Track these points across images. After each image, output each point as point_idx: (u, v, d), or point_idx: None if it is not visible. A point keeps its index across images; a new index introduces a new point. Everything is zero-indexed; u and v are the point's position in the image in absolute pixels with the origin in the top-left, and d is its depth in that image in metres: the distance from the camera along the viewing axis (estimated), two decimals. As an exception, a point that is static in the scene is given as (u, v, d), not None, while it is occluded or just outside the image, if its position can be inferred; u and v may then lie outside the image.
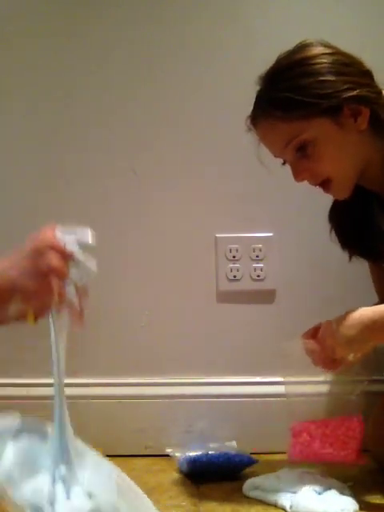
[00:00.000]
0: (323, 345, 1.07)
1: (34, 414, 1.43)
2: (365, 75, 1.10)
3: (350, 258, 1.27)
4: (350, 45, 1.44)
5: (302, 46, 1.11)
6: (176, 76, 1.49)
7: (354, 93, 1.06)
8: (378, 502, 1.07)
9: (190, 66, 1.49)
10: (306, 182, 1.19)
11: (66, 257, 0.83)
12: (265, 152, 1.18)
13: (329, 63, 1.08)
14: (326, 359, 1.08)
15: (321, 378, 1.44)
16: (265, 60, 1.13)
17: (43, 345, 1.47)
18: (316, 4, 1.48)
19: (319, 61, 1.08)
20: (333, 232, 1.27)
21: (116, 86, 1.49)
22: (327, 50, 1.10)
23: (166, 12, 1.49)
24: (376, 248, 1.19)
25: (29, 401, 1.44)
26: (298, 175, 1.14)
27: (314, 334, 1.11)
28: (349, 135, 1.10)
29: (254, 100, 1.15)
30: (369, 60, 1.42)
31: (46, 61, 1.49)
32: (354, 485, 1.11)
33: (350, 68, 1.09)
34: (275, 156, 1.17)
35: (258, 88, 1.14)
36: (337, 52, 1.10)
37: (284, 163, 1.17)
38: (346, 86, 1.06)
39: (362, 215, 1.21)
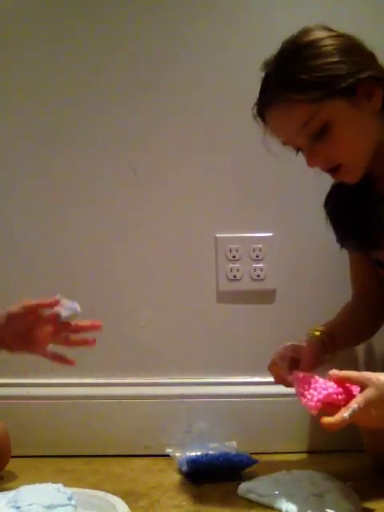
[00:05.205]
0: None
1: (34, 413, 1.45)
2: (371, 56, 1.10)
3: (341, 247, 1.29)
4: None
5: (306, 31, 1.09)
6: (176, 76, 1.49)
7: (366, 73, 1.06)
8: (379, 501, 1.07)
9: (191, 66, 1.49)
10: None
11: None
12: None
13: (336, 45, 1.07)
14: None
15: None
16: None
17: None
18: (318, 5, 1.48)
19: (327, 43, 1.07)
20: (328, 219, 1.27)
21: (116, 85, 1.49)
22: (332, 33, 1.09)
23: (167, 12, 1.49)
24: (374, 237, 1.18)
25: (30, 401, 1.45)
26: (312, 160, 1.11)
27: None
28: (364, 116, 1.08)
29: (261, 86, 1.12)
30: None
31: (47, 61, 1.49)
32: (353, 485, 1.10)
33: (357, 49, 1.09)
34: (284, 143, 1.14)
35: (263, 73, 1.12)
36: (340, 35, 1.09)
37: (298, 152, 1.15)
38: (357, 67, 1.06)
39: (361, 204, 1.19)
